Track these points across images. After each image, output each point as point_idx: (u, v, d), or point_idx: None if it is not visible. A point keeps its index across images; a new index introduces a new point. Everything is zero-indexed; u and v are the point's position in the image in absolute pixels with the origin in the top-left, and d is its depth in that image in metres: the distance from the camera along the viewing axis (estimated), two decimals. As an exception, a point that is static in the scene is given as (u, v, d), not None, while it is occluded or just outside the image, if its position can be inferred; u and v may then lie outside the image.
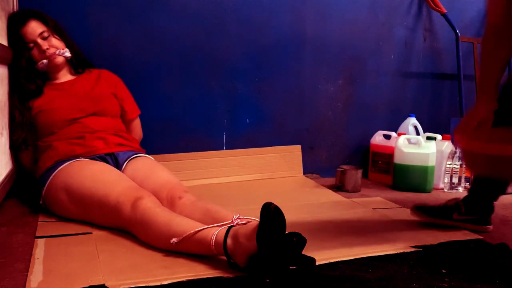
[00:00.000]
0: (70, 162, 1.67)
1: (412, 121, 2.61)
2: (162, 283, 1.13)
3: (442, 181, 2.33)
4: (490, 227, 1.67)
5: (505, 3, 1.50)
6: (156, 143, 2.27)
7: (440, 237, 1.55)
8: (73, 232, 1.51)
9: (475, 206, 1.65)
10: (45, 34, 1.84)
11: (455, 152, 2.28)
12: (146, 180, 1.67)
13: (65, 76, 1.94)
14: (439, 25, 2.91)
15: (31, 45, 1.83)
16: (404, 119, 2.65)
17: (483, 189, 1.63)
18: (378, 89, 2.81)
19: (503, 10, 1.50)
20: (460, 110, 2.82)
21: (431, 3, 2.81)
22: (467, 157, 1.43)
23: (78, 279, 1.13)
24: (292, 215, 1.40)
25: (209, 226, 1.28)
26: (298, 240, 1.14)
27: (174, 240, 1.28)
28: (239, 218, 1.29)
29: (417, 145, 2.29)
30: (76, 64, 1.96)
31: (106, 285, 1.11)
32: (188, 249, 1.30)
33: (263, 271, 1.14)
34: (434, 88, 2.99)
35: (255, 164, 2.05)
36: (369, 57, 2.77)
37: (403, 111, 2.80)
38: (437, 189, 2.34)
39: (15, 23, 1.81)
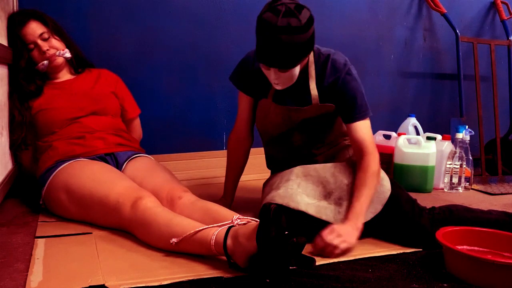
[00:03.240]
0: (70, 162, 1.67)
1: (412, 121, 2.61)
2: (162, 283, 1.13)
3: (442, 181, 2.33)
4: None
5: (249, 108, 1.70)
6: (156, 143, 2.27)
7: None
8: (73, 232, 1.50)
9: None
10: (45, 35, 1.84)
11: (455, 152, 2.28)
12: (146, 180, 1.67)
13: (65, 76, 1.93)
14: (439, 25, 2.91)
15: (31, 46, 1.82)
16: (404, 119, 2.65)
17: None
18: (378, 89, 2.81)
19: (247, 114, 1.72)
20: (460, 110, 2.82)
21: (431, 3, 2.81)
22: None
23: (78, 279, 1.13)
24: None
25: (209, 226, 1.28)
26: (298, 240, 1.14)
27: (174, 240, 1.28)
28: (239, 218, 1.29)
29: (417, 145, 2.28)
30: (76, 64, 1.95)
31: (106, 285, 1.11)
32: (188, 249, 1.30)
33: (263, 271, 1.14)
34: (434, 88, 2.99)
35: (255, 164, 2.04)
36: (369, 57, 2.77)
37: (403, 111, 2.80)
38: (437, 189, 2.34)
39: (15, 24, 1.81)
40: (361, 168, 1.50)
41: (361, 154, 1.52)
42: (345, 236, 1.36)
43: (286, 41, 1.35)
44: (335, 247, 1.34)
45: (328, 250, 1.34)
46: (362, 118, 1.55)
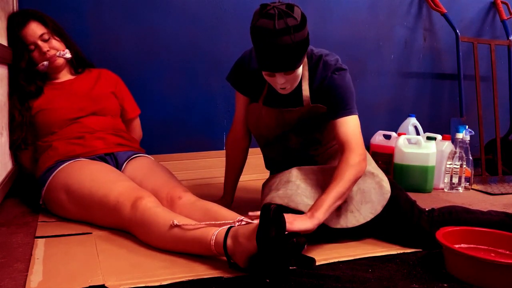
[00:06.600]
0: (70, 162, 1.67)
1: (412, 121, 2.61)
2: (162, 283, 1.14)
3: (442, 181, 2.33)
4: None
5: (245, 109, 1.69)
6: (156, 143, 2.27)
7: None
8: (73, 232, 1.51)
9: None
10: (46, 36, 1.83)
11: (455, 152, 2.28)
12: (146, 180, 1.67)
13: (65, 76, 1.93)
14: (439, 25, 2.91)
15: (32, 47, 1.82)
16: (404, 119, 2.65)
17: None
18: (378, 89, 2.81)
19: (243, 114, 1.71)
20: (460, 110, 2.82)
21: (431, 3, 2.81)
22: None
23: (78, 279, 1.14)
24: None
25: (210, 222, 1.28)
26: (298, 240, 1.14)
27: (175, 222, 1.29)
28: (241, 220, 1.28)
29: (417, 145, 2.28)
30: (76, 64, 1.95)
31: (106, 285, 1.11)
32: (188, 249, 1.30)
33: (263, 271, 1.14)
34: (434, 88, 2.99)
35: (255, 164, 2.04)
36: (369, 57, 2.77)
37: (403, 111, 2.80)
38: (437, 189, 2.34)
39: (15, 25, 1.80)
40: (341, 160, 1.44)
41: (342, 150, 1.47)
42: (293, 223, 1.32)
43: (289, 42, 1.33)
44: None
45: None
46: (346, 114, 1.50)
